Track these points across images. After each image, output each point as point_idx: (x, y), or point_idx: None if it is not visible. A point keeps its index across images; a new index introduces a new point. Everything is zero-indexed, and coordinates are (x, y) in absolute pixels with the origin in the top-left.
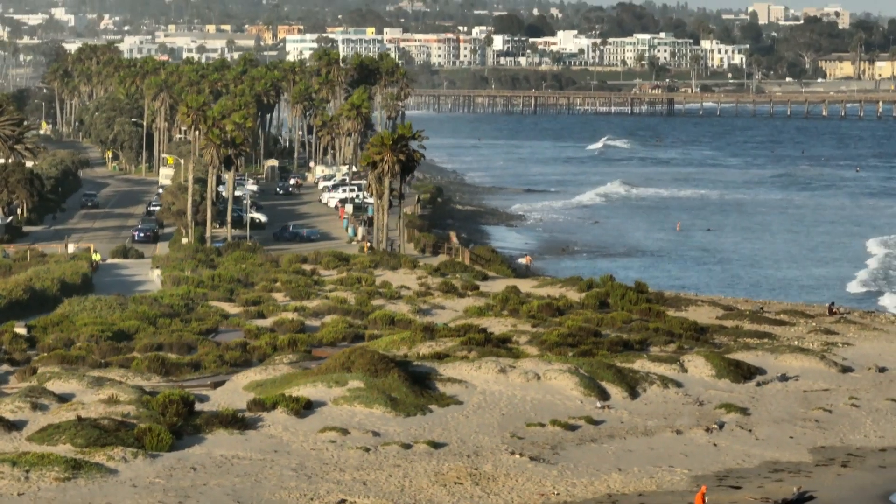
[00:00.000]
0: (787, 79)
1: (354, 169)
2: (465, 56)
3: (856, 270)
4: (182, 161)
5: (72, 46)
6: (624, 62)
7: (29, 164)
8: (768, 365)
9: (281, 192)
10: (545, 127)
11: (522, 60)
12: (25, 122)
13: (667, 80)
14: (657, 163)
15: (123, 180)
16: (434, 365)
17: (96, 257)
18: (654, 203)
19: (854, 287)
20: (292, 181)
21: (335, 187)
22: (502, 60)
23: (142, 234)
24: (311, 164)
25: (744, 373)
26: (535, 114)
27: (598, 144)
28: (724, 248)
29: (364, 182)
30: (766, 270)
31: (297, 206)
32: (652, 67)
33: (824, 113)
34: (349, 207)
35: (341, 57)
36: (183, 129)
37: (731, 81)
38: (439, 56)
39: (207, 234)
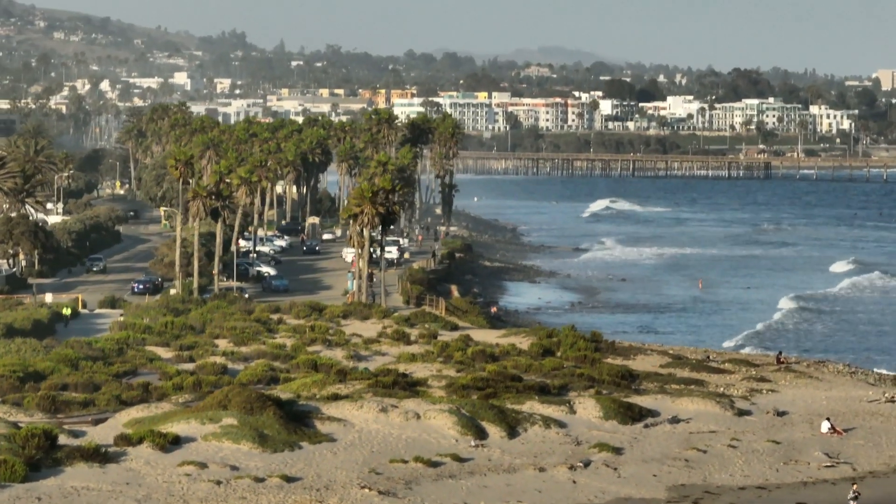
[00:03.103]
0: None
1: None
2: (573, 120)
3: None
4: (175, 214)
5: None
6: (732, 127)
7: (56, 218)
8: (665, 408)
9: (305, 249)
10: (637, 188)
11: (630, 125)
12: (39, 176)
13: (775, 145)
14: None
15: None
16: (318, 404)
17: (66, 311)
18: (692, 262)
19: (729, 342)
20: (326, 236)
21: None
22: (610, 125)
23: (140, 287)
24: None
25: (634, 415)
26: (633, 177)
27: (600, 205)
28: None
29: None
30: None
31: (317, 261)
32: (759, 132)
33: None
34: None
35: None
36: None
37: (838, 146)
38: (547, 120)
39: (194, 286)
